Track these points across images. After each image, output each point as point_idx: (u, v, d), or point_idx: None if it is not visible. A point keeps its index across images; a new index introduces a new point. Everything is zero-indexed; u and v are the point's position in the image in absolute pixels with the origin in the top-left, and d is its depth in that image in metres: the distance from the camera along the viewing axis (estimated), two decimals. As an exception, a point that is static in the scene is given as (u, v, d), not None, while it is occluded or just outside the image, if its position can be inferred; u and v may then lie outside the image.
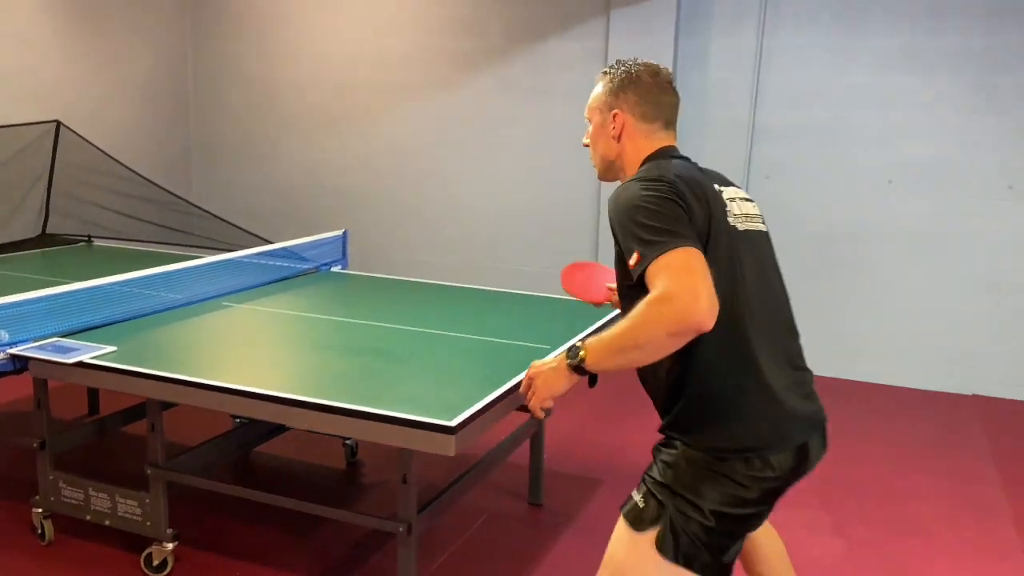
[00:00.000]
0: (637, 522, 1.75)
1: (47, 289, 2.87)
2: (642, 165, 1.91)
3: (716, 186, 1.84)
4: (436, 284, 3.92)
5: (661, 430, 1.82)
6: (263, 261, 3.80)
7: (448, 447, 2.08)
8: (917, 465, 3.98)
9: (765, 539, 2.21)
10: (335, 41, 6.20)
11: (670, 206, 1.67)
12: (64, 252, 4.49)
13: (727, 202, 1.82)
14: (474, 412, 2.19)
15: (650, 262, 1.60)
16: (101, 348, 2.66)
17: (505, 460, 3.22)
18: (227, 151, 6.68)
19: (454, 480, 2.78)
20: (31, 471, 2.97)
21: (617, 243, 1.75)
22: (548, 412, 1.88)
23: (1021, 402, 4.90)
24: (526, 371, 1.87)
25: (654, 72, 1.96)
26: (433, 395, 2.37)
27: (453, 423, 2.09)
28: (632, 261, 1.64)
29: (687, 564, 1.72)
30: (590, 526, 3.27)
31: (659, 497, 1.73)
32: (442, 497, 2.67)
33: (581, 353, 1.69)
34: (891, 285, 5.09)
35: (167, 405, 2.80)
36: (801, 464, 1.78)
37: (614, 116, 1.94)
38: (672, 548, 1.70)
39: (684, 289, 1.54)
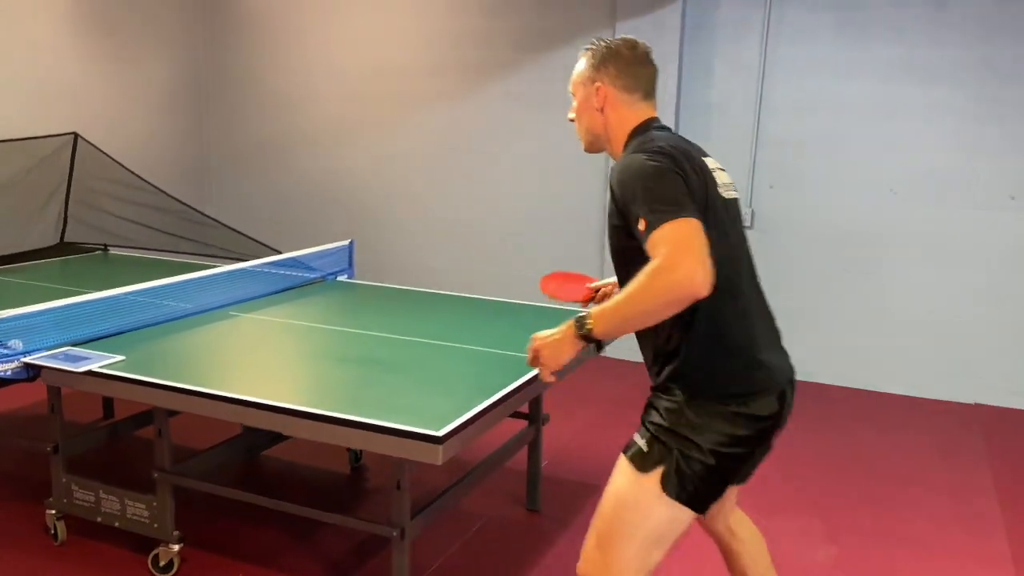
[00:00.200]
0: (642, 464, 1.91)
1: (59, 300, 2.98)
2: (630, 136, 2.05)
3: (703, 158, 2.00)
4: (440, 294, 3.99)
5: (658, 382, 1.97)
6: (270, 271, 3.89)
7: (435, 456, 2.17)
8: (913, 474, 4.01)
9: (748, 537, 2.32)
10: (349, 53, 6.31)
11: (673, 177, 1.82)
12: (81, 260, 4.63)
13: (712, 172, 1.98)
14: (463, 422, 2.27)
15: (655, 228, 1.73)
16: (110, 357, 2.77)
17: (503, 466, 3.29)
18: (242, 161, 6.80)
19: (448, 486, 2.86)
20: (46, 474, 3.09)
21: (617, 211, 1.89)
22: (561, 375, 1.99)
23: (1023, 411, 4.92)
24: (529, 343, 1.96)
25: (632, 46, 2.12)
26: (427, 405, 2.45)
27: (440, 433, 2.17)
28: (641, 227, 1.76)
29: (687, 500, 1.90)
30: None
31: (663, 440, 1.90)
32: (436, 503, 2.75)
33: (589, 323, 1.82)
34: (893, 294, 5.12)
35: (174, 411, 2.90)
36: (782, 409, 1.97)
37: (597, 89, 2.08)
38: (676, 485, 1.88)
39: (684, 259, 1.68)
